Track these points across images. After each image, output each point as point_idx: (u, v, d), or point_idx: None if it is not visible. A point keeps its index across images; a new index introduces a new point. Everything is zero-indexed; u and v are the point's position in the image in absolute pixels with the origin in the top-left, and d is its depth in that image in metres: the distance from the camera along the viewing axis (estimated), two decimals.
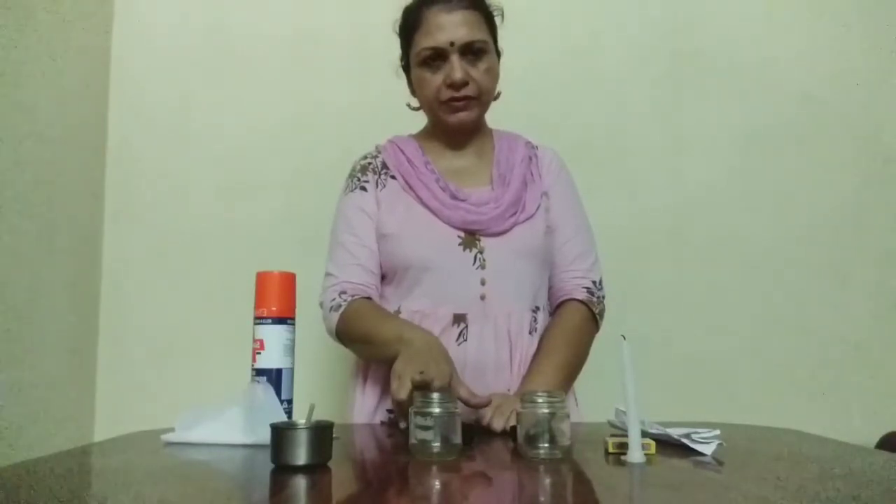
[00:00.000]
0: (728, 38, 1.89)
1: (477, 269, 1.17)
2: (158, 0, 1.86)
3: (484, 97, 1.21)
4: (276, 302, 1.00)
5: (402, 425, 0.96)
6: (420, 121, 1.30)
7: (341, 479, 0.72)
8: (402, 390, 0.92)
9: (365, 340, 1.14)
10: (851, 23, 1.91)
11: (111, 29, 1.84)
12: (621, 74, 1.87)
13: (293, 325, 1.01)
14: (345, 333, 1.17)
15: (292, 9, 1.86)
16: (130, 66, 1.84)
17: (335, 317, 1.17)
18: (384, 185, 1.24)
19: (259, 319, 0.99)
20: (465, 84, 1.17)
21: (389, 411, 1.17)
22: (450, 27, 1.16)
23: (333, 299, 1.18)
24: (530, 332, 1.18)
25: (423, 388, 0.91)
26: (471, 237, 1.18)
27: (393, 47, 1.27)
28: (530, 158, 1.29)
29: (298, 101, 1.84)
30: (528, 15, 1.80)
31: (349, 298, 1.17)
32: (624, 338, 0.79)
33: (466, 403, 0.95)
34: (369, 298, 1.20)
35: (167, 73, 1.84)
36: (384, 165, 1.26)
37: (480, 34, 1.18)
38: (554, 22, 1.88)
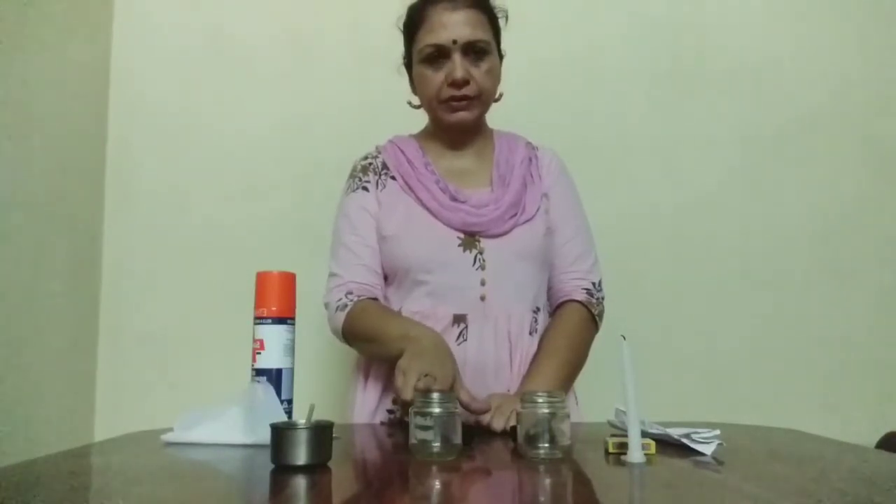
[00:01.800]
0: (728, 39, 1.89)
1: (477, 269, 1.17)
2: (158, 0, 1.86)
3: (484, 97, 1.20)
4: (276, 302, 1.00)
5: (407, 418, 0.96)
6: (420, 121, 1.30)
7: (341, 479, 0.72)
8: (407, 389, 0.91)
9: (371, 338, 1.14)
10: (851, 22, 1.91)
11: (111, 29, 1.84)
12: (621, 75, 1.87)
13: (293, 325, 1.01)
14: (350, 332, 1.17)
15: (292, 9, 1.86)
16: (130, 66, 1.84)
17: (341, 316, 1.17)
18: (384, 186, 1.24)
19: (259, 319, 0.99)
20: (466, 83, 1.16)
21: (390, 411, 1.17)
22: (453, 25, 1.16)
23: (340, 299, 1.18)
24: (531, 333, 1.18)
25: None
26: (470, 238, 1.18)
27: (393, 47, 1.27)
28: (530, 159, 1.28)
29: (298, 101, 1.84)
30: (528, 15, 1.79)
31: (355, 298, 1.17)
32: (624, 338, 0.79)
33: (466, 408, 0.94)
34: (375, 299, 1.19)
35: (167, 73, 1.84)
36: (384, 166, 1.26)
37: (483, 34, 1.18)
38: (554, 22, 1.88)
